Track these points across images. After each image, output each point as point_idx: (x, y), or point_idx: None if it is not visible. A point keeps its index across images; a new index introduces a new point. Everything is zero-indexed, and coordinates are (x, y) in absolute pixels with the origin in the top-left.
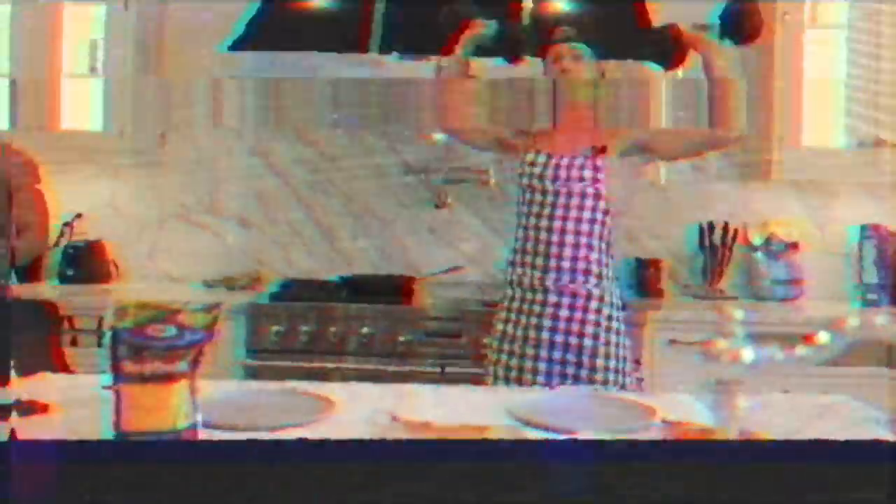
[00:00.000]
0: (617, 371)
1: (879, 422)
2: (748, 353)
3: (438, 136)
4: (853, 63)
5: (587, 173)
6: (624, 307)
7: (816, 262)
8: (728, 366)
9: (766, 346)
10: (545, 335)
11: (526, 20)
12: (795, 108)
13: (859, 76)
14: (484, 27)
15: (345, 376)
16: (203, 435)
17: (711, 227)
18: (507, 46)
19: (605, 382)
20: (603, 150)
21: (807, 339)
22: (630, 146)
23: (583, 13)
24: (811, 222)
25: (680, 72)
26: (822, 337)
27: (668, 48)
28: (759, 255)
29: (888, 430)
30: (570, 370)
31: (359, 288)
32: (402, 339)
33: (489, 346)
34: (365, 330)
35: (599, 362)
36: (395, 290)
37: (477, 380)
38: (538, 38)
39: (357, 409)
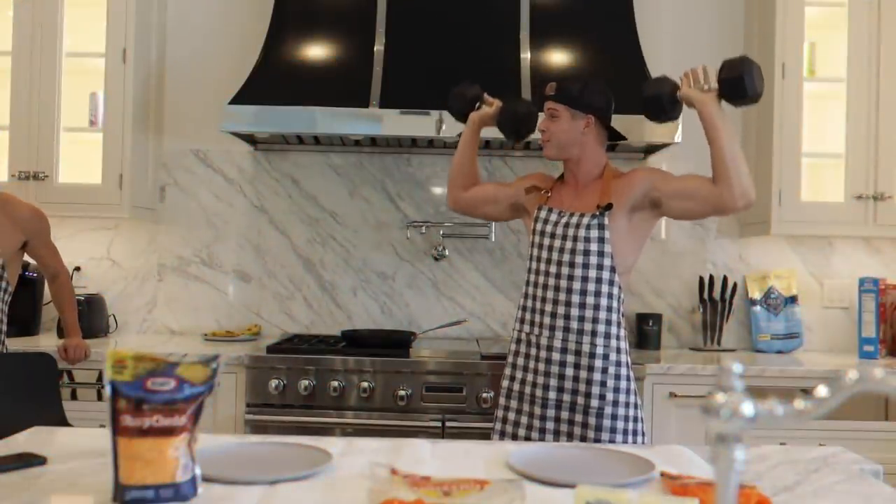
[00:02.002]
0: (626, 432)
1: (877, 474)
2: (747, 407)
3: (438, 190)
4: (852, 116)
5: (594, 232)
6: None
7: (815, 315)
8: (727, 419)
9: (765, 400)
10: (551, 394)
11: (527, 104)
12: (794, 162)
13: (858, 130)
14: (490, 107)
15: (345, 430)
16: (202, 488)
17: (711, 281)
18: (510, 127)
19: (611, 443)
20: (609, 206)
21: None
22: (640, 203)
23: (579, 66)
24: (810, 276)
25: (678, 135)
26: (821, 391)
27: (664, 103)
28: (758, 308)
29: (885, 483)
30: (578, 430)
31: (359, 342)
32: (402, 393)
33: (496, 403)
34: (365, 384)
35: (606, 422)
36: (395, 343)
37: (477, 434)
38: (539, 91)
39: (356, 463)
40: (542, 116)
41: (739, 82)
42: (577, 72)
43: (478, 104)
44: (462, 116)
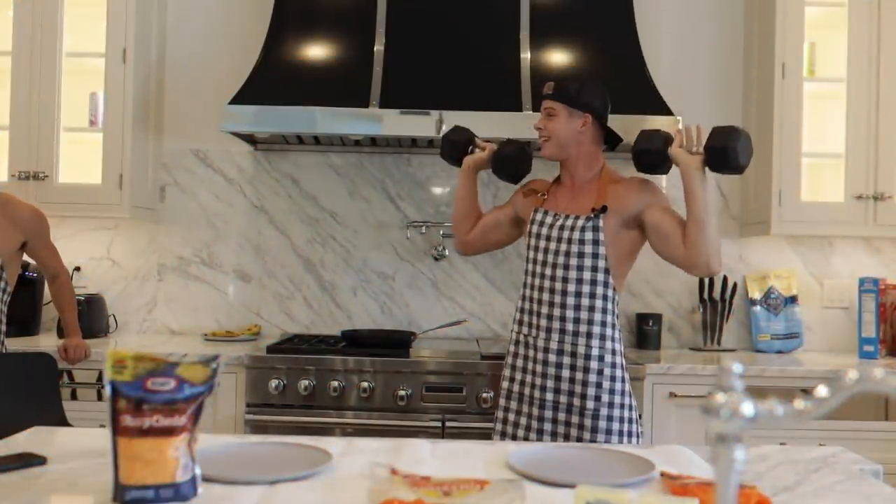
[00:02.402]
0: (621, 433)
1: (877, 474)
2: (747, 407)
3: (438, 190)
4: (852, 116)
5: (588, 234)
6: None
7: (815, 315)
8: (727, 419)
9: (765, 400)
10: (548, 396)
11: (519, 145)
12: (794, 162)
13: (858, 130)
14: (483, 151)
15: (345, 430)
16: (202, 488)
17: (711, 281)
18: (506, 171)
19: (607, 444)
20: (604, 209)
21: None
22: (631, 220)
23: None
24: (810, 276)
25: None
26: (821, 391)
27: (652, 158)
28: (758, 308)
29: (885, 483)
30: (574, 431)
31: (359, 342)
32: (402, 393)
33: (497, 404)
34: (365, 384)
35: (602, 423)
36: (395, 343)
37: (477, 434)
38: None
39: (356, 463)
40: (534, 116)
41: (723, 154)
42: (576, 72)
43: (470, 147)
44: (456, 161)
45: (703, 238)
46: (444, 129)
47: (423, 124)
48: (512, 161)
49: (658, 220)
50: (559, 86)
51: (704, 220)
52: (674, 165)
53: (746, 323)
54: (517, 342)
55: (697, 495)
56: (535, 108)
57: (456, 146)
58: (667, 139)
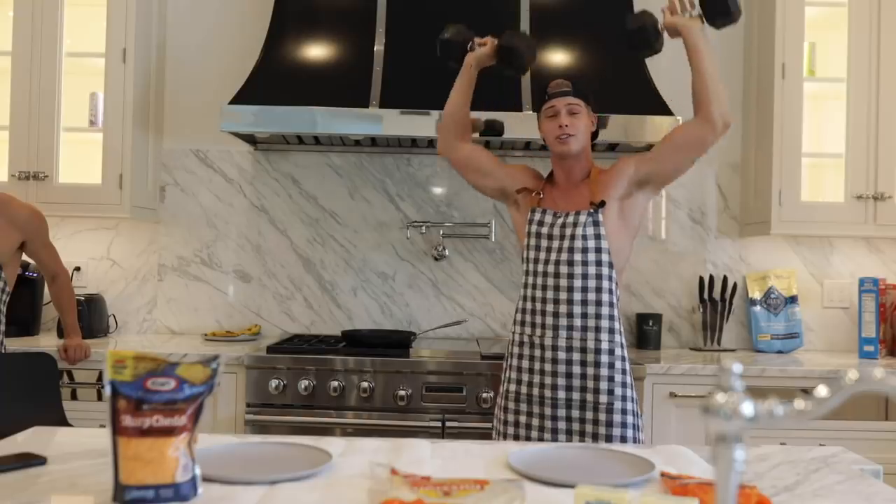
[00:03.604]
0: (635, 427)
1: (877, 474)
2: (747, 407)
3: (438, 190)
4: (852, 116)
5: (590, 230)
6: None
7: (815, 315)
8: (727, 419)
9: (765, 400)
10: (560, 394)
11: (524, 38)
12: (794, 162)
13: (858, 130)
14: (486, 45)
15: (345, 430)
16: (202, 488)
17: (711, 281)
18: (514, 62)
19: (623, 439)
20: (602, 204)
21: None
22: (627, 189)
23: (584, 66)
24: (810, 276)
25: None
26: (821, 390)
27: (648, 35)
28: (758, 308)
29: (885, 483)
30: (589, 427)
31: (359, 341)
32: (402, 393)
33: (497, 405)
34: (365, 384)
35: (617, 417)
36: (395, 343)
37: (477, 433)
38: (539, 91)
39: (356, 463)
40: (534, 116)
41: (723, 2)
42: (576, 72)
43: (470, 45)
44: (457, 63)
45: (714, 90)
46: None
47: (424, 124)
48: (518, 51)
49: (657, 151)
50: (576, 83)
51: (712, 71)
52: (666, 39)
53: (746, 323)
54: (521, 343)
55: (697, 495)
56: (536, 109)
57: (455, 46)
58: (653, 16)
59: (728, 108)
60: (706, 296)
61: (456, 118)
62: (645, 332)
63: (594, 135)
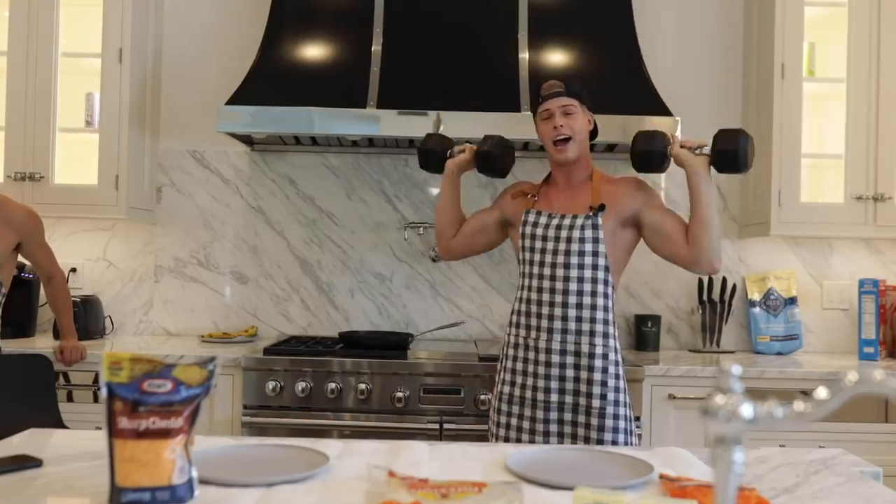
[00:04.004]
0: (627, 432)
1: (877, 476)
2: (747, 409)
3: (436, 191)
4: (852, 117)
5: (588, 233)
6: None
7: (815, 316)
8: (726, 421)
9: (764, 402)
10: (553, 397)
11: (500, 144)
12: (794, 163)
13: (858, 131)
14: (464, 153)
15: (342, 432)
16: (198, 491)
17: (710, 282)
18: (494, 168)
19: (614, 444)
20: (602, 207)
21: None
22: (628, 219)
23: (579, 67)
24: (810, 277)
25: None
26: (821, 392)
27: (654, 160)
28: (757, 310)
29: (885, 485)
30: (581, 431)
31: (356, 343)
32: (399, 394)
33: (491, 407)
34: (362, 386)
35: (609, 422)
36: (393, 345)
37: (475, 436)
38: (536, 93)
39: (353, 465)
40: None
41: (734, 157)
42: (575, 72)
43: (449, 153)
44: (438, 169)
45: (708, 238)
46: (443, 130)
47: (421, 125)
48: (496, 156)
49: (659, 221)
50: (569, 83)
51: (710, 220)
52: (672, 165)
53: (746, 324)
54: (515, 345)
55: (696, 498)
56: (532, 111)
57: (434, 155)
58: (666, 139)
59: (719, 254)
60: (705, 297)
61: (452, 222)
62: (643, 333)
63: (593, 134)
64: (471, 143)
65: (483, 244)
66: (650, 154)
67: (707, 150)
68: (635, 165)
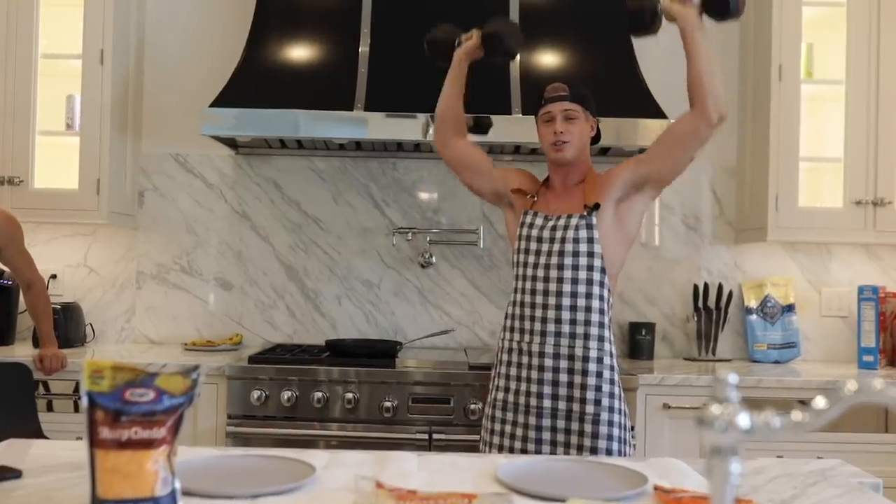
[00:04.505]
0: (622, 440)
1: (877, 488)
2: (743, 419)
3: (425, 195)
4: (851, 119)
5: (583, 233)
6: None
7: (813, 324)
8: (722, 431)
9: (761, 412)
10: (546, 403)
11: (507, 23)
12: (791, 167)
13: (857, 134)
14: (471, 40)
15: (329, 443)
16: (182, 502)
17: (706, 289)
18: (502, 50)
19: (608, 452)
20: (596, 206)
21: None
22: (625, 192)
23: (578, 70)
24: (808, 284)
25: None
26: (819, 402)
27: (645, 16)
28: (754, 317)
29: (884, 496)
30: (574, 439)
31: (343, 351)
32: (387, 404)
33: (485, 415)
34: (349, 395)
35: (603, 429)
36: (381, 353)
37: (465, 446)
38: (529, 95)
39: (340, 476)
40: (523, 120)
41: None
42: (567, 72)
43: (457, 41)
44: (446, 61)
45: (710, 82)
46: (431, 133)
47: (410, 128)
48: (502, 35)
49: (654, 150)
50: (574, 87)
51: (709, 62)
52: (664, 23)
53: (742, 332)
54: (509, 350)
55: None
56: (526, 112)
57: (443, 44)
58: None
59: (724, 100)
60: (701, 304)
61: (449, 114)
62: (638, 341)
63: (595, 139)
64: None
65: (471, 183)
66: (641, 11)
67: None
68: (628, 26)
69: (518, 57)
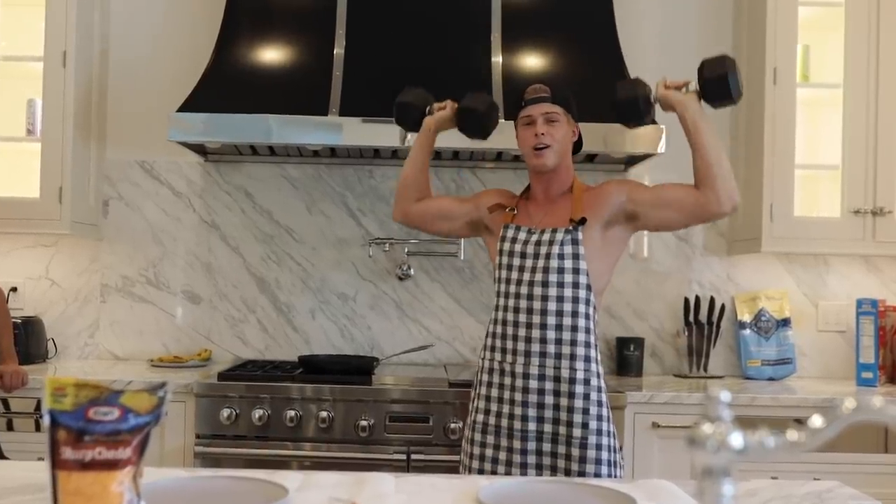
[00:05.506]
0: (611, 463)
1: None
2: (736, 439)
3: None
4: (849, 125)
5: (568, 248)
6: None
7: (809, 339)
8: (714, 452)
9: (755, 431)
10: (531, 426)
11: (485, 101)
12: (787, 175)
13: (855, 140)
14: (444, 109)
15: (302, 463)
16: None
17: (697, 302)
18: (475, 127)
19: (597, 476)
20: (583, 221)
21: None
22: (615, 216)
23: (559, 71)
24: (804, 297)
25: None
26: (816, 421)
27: (640, 106)
28: (747, 332)
29: None
30: (561, 463)
31: (317, 368)
32: (363, 423)
33: (464, 437)
34: (324, 413)
35: (591, 453)
36: (357, 370)
37: (445, 467)
38: (511, 98)
39: (314, 499)
40: (506, 125)
41: (724, 83)
42: (551, 75)
43: (428, 109)
44: (415, 126)
45: (719, 170)
46: (409, 139)
47: (387, 133)
48: (478, 114)
49: (654, 195)
50: (555, 89)
51: (718, 152)
52: (656, 112)
53: (735, 347)
54: (490, 370)
55: None
56: (508, 117)
57: (414, 110)
58: (647, 85)
59: (735, 186)
60: (692, 318)
61: (417, 183)
62: (626, 357)
63: (577, 146)
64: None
65: (442, 231)
66: (634, 100)
67: (693, 85)
68: (619, 117)
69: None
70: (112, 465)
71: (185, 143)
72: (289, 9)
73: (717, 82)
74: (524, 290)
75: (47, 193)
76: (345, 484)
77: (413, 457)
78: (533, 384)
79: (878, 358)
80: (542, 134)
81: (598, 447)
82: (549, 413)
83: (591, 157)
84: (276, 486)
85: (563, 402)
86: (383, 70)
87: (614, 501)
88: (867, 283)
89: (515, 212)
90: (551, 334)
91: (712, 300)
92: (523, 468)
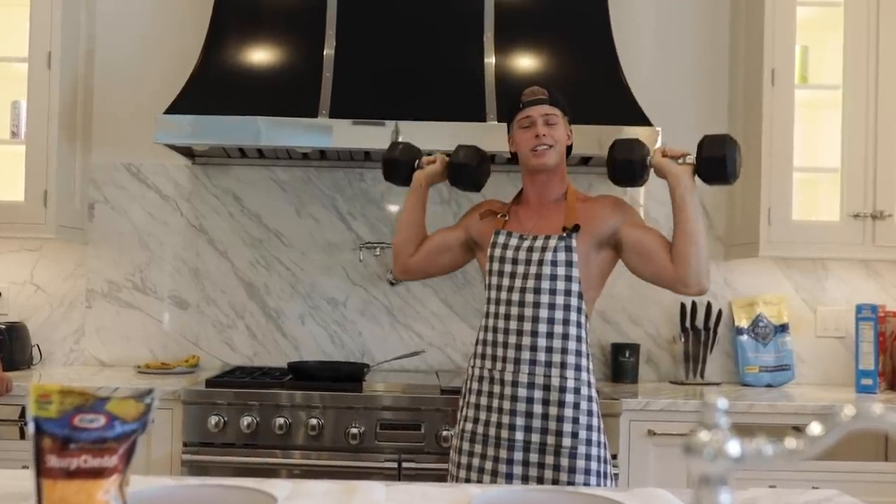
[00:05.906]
0: (600, 475)
1: None
2: (733, 447)
3: (393, 208)
4: (849, 127)
5: (561, 255)
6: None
7: (808, 345)
8: (711, 460)
9: (753, 439)
10: (518, 435)
11: (476, 155)
12: (785, 178)
13: (855, 142)
14: (435, 163)
15: (291, 472)
16: None
17: (693, 307)
18: (467, 181)
19: (585, 486)
20: (576, 228)
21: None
22: (606, 240)
23: (555, 73)
24: (802, 302)
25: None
26: (815, 428)
27: (635, 170)
28: (745, 338)
29: None
30: (549, 473)
31: (306, 374)
32: (354, 430)
33: (452, 447)
34: (313, 421)
35: (580, 463)
36: (347, 376)
37: (436, 475)
38: (504, 100)
39: None
40: (498, 127)
41: (721, 164)
42: (545, 77)
43: (417, 163)
44: (405, 182)
45: (694, 252)
46: (402, 140)
47: (378, 136)
48: (471, 168)
49: (639, 239)
50: (553, 91)
51: (697, 234)
52: (651, 177)
53: (732, 354)
54: (480, 378)
55: None
56: (501, 119)
57: (402, 165)
58: (645, 148)
59: (707, 273)
60: (688, 324)
61: (415, 239)
62: (621, 363)
63: (568, 150)
64: (433, 153)
65: (445, 266)
66: (629, 163)
67: (691, 158)
68: (612, 175)
69: (495, 60)
70: (98, 473)
71: (173, 145)
72: (278, 9)
73: (716, 163)
74: (515, 296)
75: (32, 197)
76: (335, 493)
77: (404, 465)
78: (522, 392)
79: (878, 364)
80: (544, 135)
81: (588, 457)
82: (537, 423)
83: (585, 160)
84: (264, 494)
85: (553, 410)
86: (374, 71)
87: None
88: (867, 288)
89: (507, 217)
90: (542, 342)
91: (709, 305)
92: (509, 479)
